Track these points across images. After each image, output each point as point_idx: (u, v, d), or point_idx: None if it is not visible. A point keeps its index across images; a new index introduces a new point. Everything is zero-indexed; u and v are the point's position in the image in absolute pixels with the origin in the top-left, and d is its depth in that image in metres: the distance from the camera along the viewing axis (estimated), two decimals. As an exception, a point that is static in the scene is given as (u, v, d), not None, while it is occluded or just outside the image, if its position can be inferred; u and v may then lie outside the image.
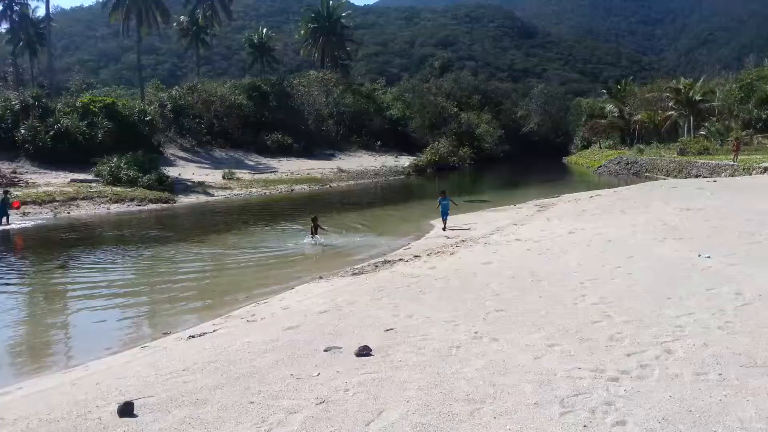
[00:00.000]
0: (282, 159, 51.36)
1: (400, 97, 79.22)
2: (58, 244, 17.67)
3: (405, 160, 57.74)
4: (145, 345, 8.35)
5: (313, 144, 57.33)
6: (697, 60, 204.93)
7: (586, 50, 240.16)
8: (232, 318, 9.08)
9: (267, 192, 35.41)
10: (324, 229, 17.34)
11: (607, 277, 8.22)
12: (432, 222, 20.12)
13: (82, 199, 27.50)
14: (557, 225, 14.81)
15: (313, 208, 28.30)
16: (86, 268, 14.41)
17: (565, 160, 71.75)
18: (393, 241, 17.28)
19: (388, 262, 12.30)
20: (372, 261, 12.93)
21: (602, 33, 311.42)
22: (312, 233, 16.97)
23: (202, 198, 32.01)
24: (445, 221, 17.94)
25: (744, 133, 45.67)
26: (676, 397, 4.15)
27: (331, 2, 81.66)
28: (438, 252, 12.57)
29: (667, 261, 9.05)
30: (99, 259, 15.62)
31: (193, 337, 8.08)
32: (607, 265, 9.00)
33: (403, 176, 49.50)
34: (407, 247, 15.36)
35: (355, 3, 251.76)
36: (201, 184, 35.55)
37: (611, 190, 23.05)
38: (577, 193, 25.64)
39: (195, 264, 14.63)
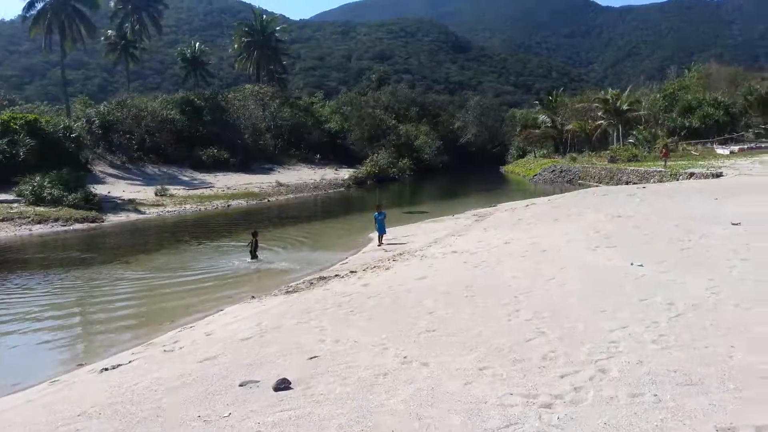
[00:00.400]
0: (218, 174, 50.08)
1: (339, 110, 79.05)
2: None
3: (345, 173, 57.41)
4: (55, 379, 7.65)
5: (251, 158, 56.26)
6: (623, 71, 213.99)
7: (518, 63, 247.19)
8: (153, 346, 8.45)
9: (202, 208, 34.26)
10: (261, 246, 16.73)
11: (541, 290, 8.03)
12: (371, 235, 19.78)
13: (2, 220, 25.81)
14: (494, 235, 14.72)
15: (251, 223, 27.48)
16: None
17: (502, 169, 73.09)
18: (332, 255, 16.86)
19: (324, 278, 11.86)
20: (308, 278, 12.47)
21: (533, 47, 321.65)
22: (252, 250, 16.34)
23: (133, 216, 30.64)
24: (381, 237, 17.50)
25: (669, 140, 47.61)
26: (610, 424, 3.89)
27: (264, 17, 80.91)
28: (374, 267, 12.21)
29: (600, 270, 8.97)
30: (14, 284, 14.51)
31: (106, 369, 7.44)
32: (541, 277, 8.84)
33: (342, 189, 49.11)
34: (344, 261, 14.95)
35: (291, 17, 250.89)
36: (132, 201, 34.09)
37: (546, 198, 23.32)
38: (513, 202, 25.87)
39: (120, 288, 13.75)
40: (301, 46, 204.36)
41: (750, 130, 58.33)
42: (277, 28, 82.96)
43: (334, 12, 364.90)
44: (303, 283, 11.76)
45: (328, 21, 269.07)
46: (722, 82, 64.44)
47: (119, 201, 34.22)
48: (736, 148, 43.15)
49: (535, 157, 69.00)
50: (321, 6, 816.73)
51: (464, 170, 75.66)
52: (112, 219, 29.04)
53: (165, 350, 7.23)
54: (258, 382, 5.07)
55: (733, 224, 12.42)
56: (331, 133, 71.63)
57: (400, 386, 4.78)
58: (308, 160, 64.41)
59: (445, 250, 12.87)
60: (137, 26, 67.50)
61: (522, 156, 77.11)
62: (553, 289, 8.05)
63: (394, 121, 76.32)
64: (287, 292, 11.07)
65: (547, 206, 19.78)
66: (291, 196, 42.61)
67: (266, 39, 78.29)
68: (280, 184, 45.96)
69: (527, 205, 21.66)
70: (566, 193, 24.42)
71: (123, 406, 4.84)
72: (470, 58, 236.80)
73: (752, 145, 46.10)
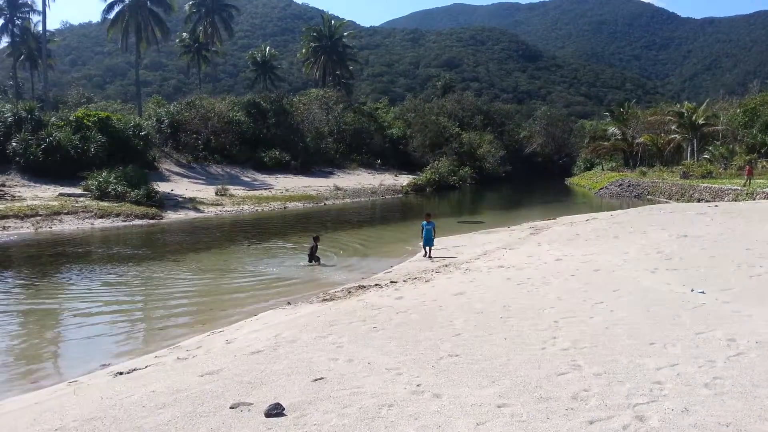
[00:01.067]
0: (279, 176, 50.73)
1: (402, 116, 78.90)
2: (16, 261, 16.90)
3: (404, 179, 57.06)
4: (74, 380, 7.53)
5: (312, 161, 56.69)
6: (701, 85, 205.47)
7: (590, 74, 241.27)
8: (177, 350, 8.25)
9: (259, 209, 34.59)
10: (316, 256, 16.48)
11: (586, 315, 7.30)
12: (420, 243, 19.26)
13: (67, 213, 26.74)
14: (546, 250, 13.91)
15: (306, 226, 27.56)
16: (50, 286, 13.65)
17: (568, 181, 70.95)
18: (378, 262, 16.43)
19: (363, 287, 11.42)
20: (348, 285, 12.06)
21: (606, 57, 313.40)
22: (310, 254, 16.15)
23: (192, 214, 31.22)
24: (428, 249, 16.44)
25: (748, 157, 44.80)
26: (640, 492, 3.25)
27: (333, 22, 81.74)
28: (416, 278, 11.68)
29: (655, 296, 8.13)
30: (63, 278, 14.82)
31: (120, 374, 7.25)
32: (588, 300, 8.08)
33: (401, 195, 48.70)
34: (388, 270, 14.46)
35: (361, 24, 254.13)
36: (192, 200, 34.80)
37: (608, 213, 22.11)
38: (573, 216, 24.75)
39: (163, 287, 13.74)
40: (370, 53, 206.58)
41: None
42: (345, 33, 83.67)
43: (403, 19, 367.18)
44: (342, 291, 11.35)
45: (398, 28, 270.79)
46: (811, 97, 60.15)
47: (180, 199, 34.98)
48: (822, 167, 40.17)
49: (603, 169, 66.58)
50: (391, 13, 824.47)
51: (528, 181, 74.07)
52: (171, 216, 29.65)
53: (179, 358, 6.93)
54: (251, 404, 4.63)
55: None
56: (392, 139, 71.52)
57: (402, 422, 4.24)
58: (369, 165, 64.44)
59: (491, 264, 12.18)
60: (210, 29, 69.44)
61: (589, 168, 74.64)
62: (600, 314, 7.30)
63: (457, 129, 75.43)
64: (324, 300, 10.70)
65: (609, 222, 18.68)
66: (348, 200, 42.55)
67: (334, 44, 79.08)
68: (338, 188, 46.02)
69: (587, 220, 20.57)
70: (631, 209, 23.10)
71: (103, 423, 4.50)
72: (540, 68, 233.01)
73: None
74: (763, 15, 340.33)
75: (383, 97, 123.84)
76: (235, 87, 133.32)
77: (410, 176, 59.09)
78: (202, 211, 32.21)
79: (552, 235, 17.09)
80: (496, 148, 76.51)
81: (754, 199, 26.51)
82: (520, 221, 26.07)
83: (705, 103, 59.68)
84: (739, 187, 30.33)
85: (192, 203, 33.89)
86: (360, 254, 18.37)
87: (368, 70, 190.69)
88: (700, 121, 53.35)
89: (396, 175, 60.79)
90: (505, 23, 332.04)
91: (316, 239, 16.58)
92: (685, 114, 53.88)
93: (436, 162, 59.54)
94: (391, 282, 11.74)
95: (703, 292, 8.01)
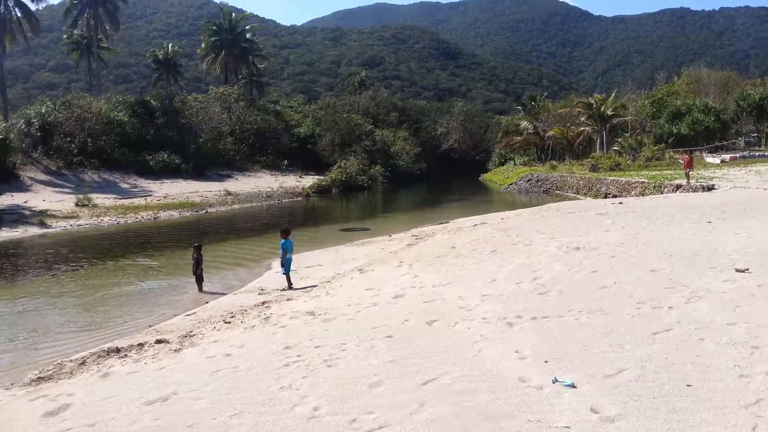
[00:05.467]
0: (166, 181, 45.79)
1: (310, 114, 75.05)
2: None
3: (309, 180, 53.20)
4: None
5: (207, 164, 51.85)
6: (613, 80, 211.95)
7: (508, 71, 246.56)
8: None
9: (123, 221, 29.79)
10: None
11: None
12: (273, 262, 15.58)
13: None
14: (399, 276, 10.56)
15: (164, 240, 23.44)
16: None
17: (482, 177, 69.10)
18: (194, 295, 12.50)
19: (110, 353, 7.55)
20: (88, 353, 8.05)
21: (524, 55, 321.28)
22: (196, 273, 12.70)
23: (33, 231, 26.19)
24: (287, 276, 12.01)
25: (656, 147, 43.70)
26: None
27: (233, 15, 76.63)
28: (189, 334, 7.94)
29: (488, 388, 4.72)
30: None
31: None
32: (360, 421, 4.52)
33: (301, 198, 44.79)
34: (191, 312, 10.59)
35: (281, 23, 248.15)
36: (43, 213, 29.78)
37: (500, 216, 19.12)
38: (469, 218, 21.76)
39: None
40: (291, 52, 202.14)
41: (741, 137, 54.63)
42: (247, 27, 78.60)
43: (325, 18, 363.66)
44: (72, 362, 7.46)
45: (319, 27, 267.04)
46: (713, 88, 60.74)
47: (27, 212, 29.89)
48: (727, 156, 39.31)
49: (515, 164, 65.01)
50: (313, 12, 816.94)
51: (443, 178, 71.87)
52: (2, 235, 24.64)
53: None
54: None
55: (738, 271, 8.26)
56: (300, 138, 67.46)
57: None
58: (274, 167, 60.23)
59: (307, 306, 8.66)
60: (92, 22, 62.95)
61: (503, 163, 73.18)
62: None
63: (370, 126, 72.22)
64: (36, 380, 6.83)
65: (495, 228, 15.57)
66: (237, 206, 38.25)
67: (235, 39, 74.00)
68: (228, 193, 41.65)
69: (476, 225, 17.47)
70: (528, 210, 20.25)
71: None
72: (460, 66, 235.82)
73: (744, 153, 42.30)
74: (669, 13, 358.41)
75: (303, 96, 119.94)
76: (148, 89, 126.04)
77: (317, 177, 55.27)
78: (50, 226, 27.19)
79: (422, 250, 13.79)
80: (411, 145, 74.00)
81: (662, 193, 24.39)
82: (414, 225, 23.01)
83: (613, 95, 58.98)
84: (646, 180, 28.35)
85: (40, 217, 28.80)
86: (187, 282, 14.28)
87: (289, 69, 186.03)
88: (609, 113, 52.30)
89: (300, 177, 56.82)
90: (426, 22, 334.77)
91: (198, 249, 13.00)
92: (594, 105, 52.72)
93: (344, 161, 55.98)
94: (157, 342, 7.90)
95: (571, 385, 4.66)
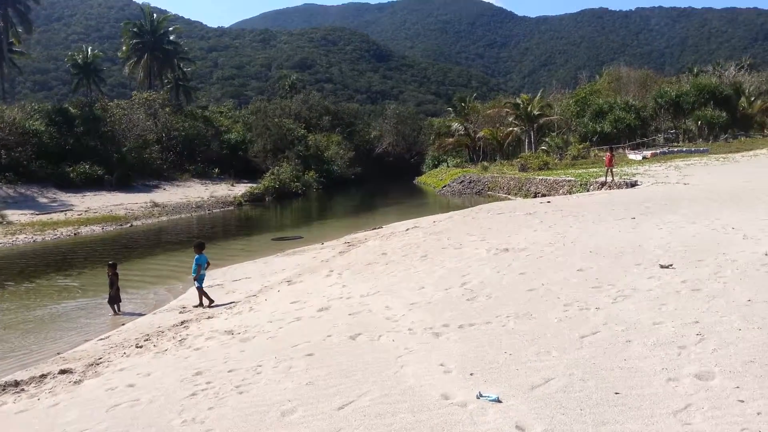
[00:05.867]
0: (88, 194, 43.54)
1: (240, 119, 73.49)
2: None
3: (241, 189, 51.89)
4: None
5: (133, 174, 49.71)
6: (539, 81, 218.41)
7: (439, 72, 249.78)
8: None
9: (41, 237, 28.01)
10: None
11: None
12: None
13: None
14: (328, 285, 10.20)
15: (82, 257, 22.15)
16: None
17: (416, 180, 69.43)
18: (111, 317, 11.66)
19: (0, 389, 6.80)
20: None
21: (453, 56, 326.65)
22: (111, 295, 11.75)
23: (-64, 253, 24.27)
24: (201, 292, 11.32)
25: (581, 146, 45.03)
26: None
27: (155, 15, 74.09)
28: (96, 362, 7.29)
29: (409, 409, 4.42)
30: None
31: None
32: None
33: (232, 207, 43.58)
34: (104, 336, 9.84)
35: (208, 24, 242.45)
36: (-54, 234, 27.66)
37: (432, 219, 19.04)
38: (401, 222, 21.60)
39: None
40: (219, 55, 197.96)
41: (660, 134, 57.10)
42: (171, 28, 76.12)
43: (254, 20, 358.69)
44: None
45: (248, 29, 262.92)
46: (632, 86, 63.29)
47: (-71, 234, 27.70)
48: (648, 153, 40.88)
49: (448, 166, 65.68)
50: (241, 14, 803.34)
51: (378, 182, 71.85)
52: None
53: None
54: None
55: (663, 267, 8.32)
56: (231, 144, 65.82)
57: None
58: (204, 176, 58.43)
59: (228, 324, 8.16)
60: (1, 24, 59.33)
61: (436, 165, 73.80)
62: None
63: (303, 131, 71.37)
64: None
65: (427, 232, 15.43)
66: (165, 218, 36.78)
67: (157, 40, 71.51)
68: (155, 205, 40.05)
69: (408, 229, 17.28)
70: (459, 212, 20.28)
71: None
72: (392, 68, 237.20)
73: (664, 149, 44.14)
74: (589, 13, 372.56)
75: (234, 101, 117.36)
76: (69, 96, 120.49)
77: (249, 185, 53.99)
78: (-44, 248, 25.27)
79: (355, 257, 13.46)
80: (345, 150, 73.66)
81: (588, 191, 25.00)
82: (351, 230, 22.66)
83: (539, 94, 60.49)
84: (572, 178, 29.05)
85: (-55, 237, 26.77)
86: (96, 302, 13.31)
87: (218, 72, 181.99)
88: (536, 112, 53.58)
89: (232, 185, 55.38)
90: (355, 23, 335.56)
91: (112, 267, 12.01)
92: (521, 105, 53.89)
93: (277, 168, 54.98)
94: (61, 372, 7.21)
95: (496, 400, 4.41)
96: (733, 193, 17.06)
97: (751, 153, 37.95)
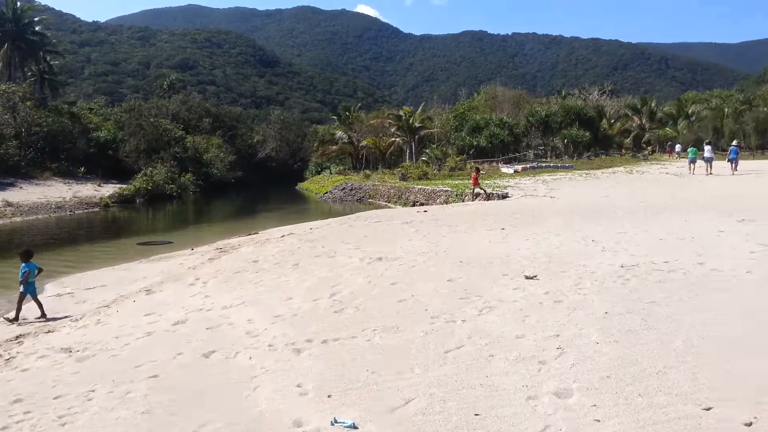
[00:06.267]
0: (-71, 193, 38.77)
1: (112, 117, 68.99)
2: None
3: (109, 189, 48.45)
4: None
5: (-16, 171, 44.91)
6: (421, 95, 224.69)
7: (325, 81, 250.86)
8: None
9: None
10: None
11: None
12: (48, 284, 13.39)
13: None
14: (191, 295, 9.47)
15: None
16: None
17: (299, 186, 68.69)
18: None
19: None
20: None
21: (340, 67, 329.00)
22: None
23: None
24: (38, 304, 10.06)
25: (459, 158, 46.61)
26: None
27: (18, 4, 67.86)
28: None
29: None
30: None
31: None
32: None
33: (98, 209, 40.54)
34: None
35: (82, 18, 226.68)
36: None
37: (309, 226, 18.62)
38: (278, 228, 20.90)
39: None
40: (93, 50, 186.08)
41: (531, 150, 60.57)
42: (36, 18, 70.08)
43: (133, 17, 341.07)
44: None
45: (126, 25, 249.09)
46: (507, 104, 66.73)
47: None
48: (519, 167, 43.02)
49: (331, 173, 65.61)
50: (119, 9, 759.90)
51: (260, 187, 70.23)
52: None
53: None
54: None
55: (528, 278, 8.46)
56: (100, 143, 61.44)
57: None
58: (69, 174, 53.99)
59: (69, 340, 7.24)
60: None
61: (319, 172, 73.58)
62: None
63: (181, 132, 68.20)
64: None
65: (303, 239, 14.97)
66: (20, 219, 33.45)
67: (20, 30, 65.50)
68: (8, 204, 36.30)
69: (283, 236, 16.71)
70: (336, 219, 20.01)
71: None
72: (278, 74, 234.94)
73: (534, 164, 46.69)
74: (470, 34, 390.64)
75: (106, 98, 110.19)
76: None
77: (119, 186, 50.55)
78: None
79: (225, 263, 12.73)
80: (226, 153, 71.36)
81: (464, 201, 25.71)
82: (227, 236, 21.59)
83: (420, 108, 62.13)
84: (449, 189, 29.85)
85: None
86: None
87: (90, 68, 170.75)
88: (417, 125, 54.92)
89: (100, 185, 51.58)
90: (242, 28, 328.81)
91: None
92: (404, 117, 55.02)
93: (151, 169, 52.01)
94: None
95: (352, 426, 4.06)
96: (593, 207, 18.12)
97: (611, 170, 41.01)
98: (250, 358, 5.67)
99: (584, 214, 16.57)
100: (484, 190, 25.34)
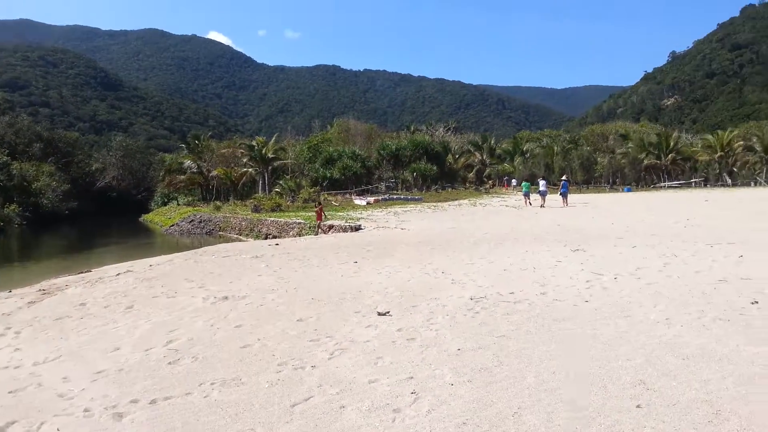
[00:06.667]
0: None
1: None
2: None
3: None
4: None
5: None
6: (275, 126, 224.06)
7: (174, 108, 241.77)
8: None
9: None
10: None
11: None
12: None
13: None
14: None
15: None
16: None
17: (143, 218, 64.39)
18: None
19: None
20: None
21: (190, 93, 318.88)
22: None
23: None
24: None
25: (312, 190, 46.41)
26: None
27: None
28: None
29: None
30: None
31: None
32: None
33: None
34: None
35: None
36: None
37: (150, 262, 17.17)
38: (114, 266, 19.02)
39: None
40: None
41: (383, 182, 62.12)
42: None
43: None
44: None
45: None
46: (359, 137, 68.08)
47: None
48: (372, 199, 43.74)
49: (178, 204, 62.36)
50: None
51: (99, 219, 64.89)
52: None
53: None
54: None
55: (380, 314, 8.22)
56: None
57: None
58: None
59: None
60: None
61: (166, 203, 69.68)
62: None
63: (6, 158, 61.40)
64: None
65: (140, 277, 13.67)
66: None
67: None
68: None
69: (118, 274, 15.18)
70: (180, 254, 18.65)
71: None
72: (122, 98, 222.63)
73: (385, 196, 47.75)
74: (323, 68, 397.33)
75: None
76: None
77: None
78: None
79: (47, 308, 11.17)
80: (59, 182, 65.30)
81: (317, 234, 25.39)
82: (56, 274, 19.20)
83: (274, 138, 61.41)
84: (302, 221, 29.42)
85: None
86: None
87: None
88: (270, 155, 54.08)
89: None
90: (82, 47, 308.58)
91: None
92: (256, 147, 53.91)
93: (-35, 199, 46.06)
94: None
95: None
96: (442, 238, 18.60)
97: (456, 202, 42.98)
98: (58, 429, 4.75)
99: (434, 245, 16.89)
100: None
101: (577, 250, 14.39)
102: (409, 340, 6.78)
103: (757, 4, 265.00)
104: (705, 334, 6.58)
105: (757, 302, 7.97)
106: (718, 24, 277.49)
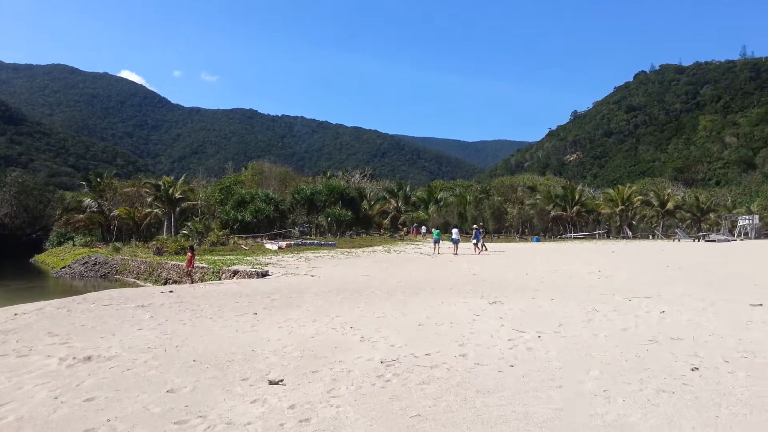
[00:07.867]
0: None
1: None
2: None
3: None
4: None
5: None
6: (188, 167, 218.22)
7: (80, 145, 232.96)
8: None
9: None
10: None
11: None
12: None
13: None
14: None
15: None
16: None
17: (35, 258, 59.25)
18: None
19: None
20: None
21: (99, 131, 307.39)
22: None
23: None
24: None
25: (221, 233, 44.11)
26: None
27: None
28: None
29: None
30: None
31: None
32: None
33: None
34: None
35: None
36: None
37: (15, 310, 14.78)
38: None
39: None
40: None
41: (296, 227, 60.50)
42: None
43: None
44: None
45: None
46: (273, 180, 66.44)
47: None
48: (284, 243, 42.05)
49: (74, 245, 57.90)
50: None
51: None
52: None
53: None
54: None
55: (272, 383, 6.82)
56: None
57: None
58: None
59: None
60: None
61: (61, 243, 64.70)
62: None
63: None
64: None
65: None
66: None
67: None
68: None
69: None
70: (54, 302, 16.24)
71: None
72: (23, 132, 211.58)
73: (298, 241, 46.22)
74: (240, 112, 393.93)
75: None
76: None
77: None
78: None
79: None
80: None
81: (220, 279, 23.49)
82: None
83: (182, 179, 58.69)
84: (206, 265, 27.40)
85: None
86: None
87: None
88: (177, 196, 51.38)
89: None
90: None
91: None
92: (163, 187, 51.06)
93: None
94: None
95: None
96: (354, 287, 17.39)
97: (371, 249, 42.01)
98: None
99: (345, 294, 15.66)
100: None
101: (495, 302, 13.56)
102: (301, 422, 5.43)
103: (647, 71, 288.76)
104: (653, 412, 5.65)
105: (697, 368, 7.22)
106: (614, 87, 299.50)
